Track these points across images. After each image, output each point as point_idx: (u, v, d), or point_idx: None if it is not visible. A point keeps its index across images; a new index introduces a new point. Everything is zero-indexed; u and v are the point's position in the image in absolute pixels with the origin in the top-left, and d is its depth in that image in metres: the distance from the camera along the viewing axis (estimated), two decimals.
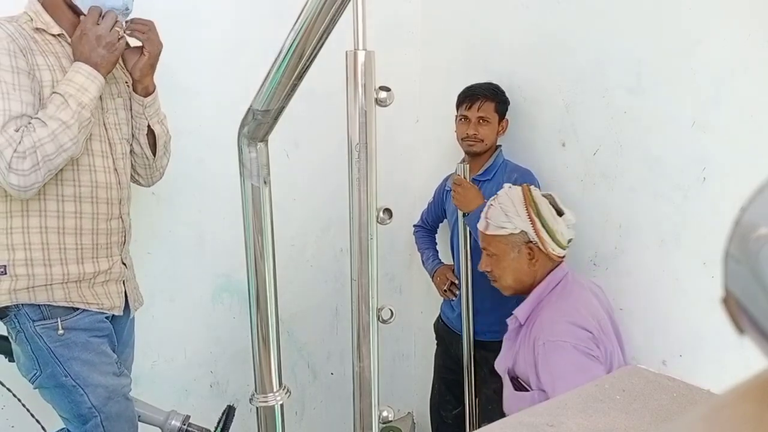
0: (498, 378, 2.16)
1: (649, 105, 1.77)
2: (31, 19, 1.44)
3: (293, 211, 2.37)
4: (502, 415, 1.65)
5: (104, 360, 1.54)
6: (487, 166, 2.09)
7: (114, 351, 1.60)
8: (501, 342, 2.13)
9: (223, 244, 2.17)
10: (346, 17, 0.82)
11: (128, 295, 1.64)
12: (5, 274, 1.43)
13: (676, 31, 1.68)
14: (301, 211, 2.39)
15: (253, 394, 1.15)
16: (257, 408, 1.16)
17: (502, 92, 2.10)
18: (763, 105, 1.52)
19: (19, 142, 1.29)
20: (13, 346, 1.53)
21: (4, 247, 1.43)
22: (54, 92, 1.37)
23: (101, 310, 1.55)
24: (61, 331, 1.47)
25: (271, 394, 1.13)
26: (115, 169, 1.55)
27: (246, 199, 1.06)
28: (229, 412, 1.85)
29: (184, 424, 1.73)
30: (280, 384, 1.15)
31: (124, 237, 1.62)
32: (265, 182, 1.06)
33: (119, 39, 1.45)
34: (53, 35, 1.45)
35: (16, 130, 1.30)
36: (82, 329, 1.51)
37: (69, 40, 1.45)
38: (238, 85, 1.73)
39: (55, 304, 1.47)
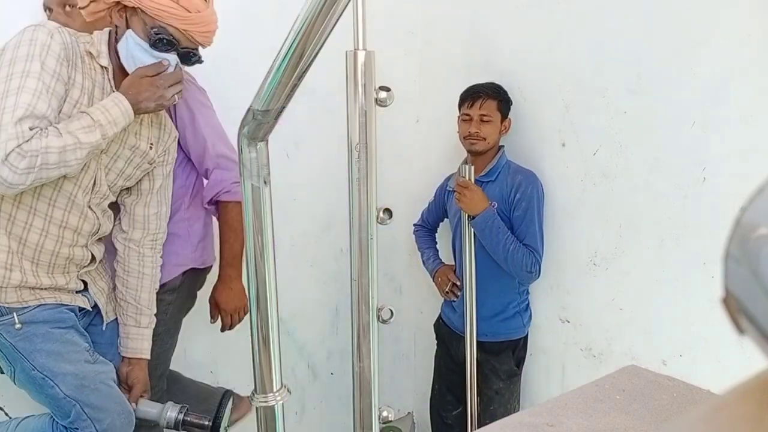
0: (498, 378, 2.16)
1: (649, 105, 1.77)
2: (90, 42, 1.46)
3: (293, 211, 2.37)
4: (503, 415, 1.65)
5: (71, 348, 1.49)
6: (490, 167, 2.08)
7: (89, 343, 1.56)
8: (501, 343, 2.14)
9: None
10: (346, 17, 0.82)
11: (99, 303, 1.62)
12: None
13: (676, 31, 1.68)
14: (301, 211, 2.39)
15: (253, 394, 1.15)
16: (257, 408, 1.16)
17: (505, 92, 2.09)
18: (763, 105, 1.53)
19: (27, 141, 1.29)
20: None
21: None
22: (85, 113, 1.38)
23: (60, 303, 1.51)
24: (18, 326, 1.44)
25: (271, 394, 1.13)
26: (90, 206, 1.51)
27: (246, 199, 1.06)
28: (224, 397, 1.83)
29: (181, 413, 1.67)
30: (281, 384, 1.15)
31: (84, 264, 1.58)
32: (265, 182, 1.06)
33: (170, 98, 1.48)
34: (100, 65, 1.47)
35: (30, 128, 1.30)
36: (41, 321, 1.47)
37: (110, 75, 1.48)
38: (238, 85, 1.73)
39: (6, 305, 1.45)
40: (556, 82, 2.03)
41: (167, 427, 1.69)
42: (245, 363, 1.19)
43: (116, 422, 1.52)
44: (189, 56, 1.50)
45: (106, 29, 1.51)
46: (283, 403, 1.15)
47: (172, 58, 1.46)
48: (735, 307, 0.28)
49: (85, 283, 1.60)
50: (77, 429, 1.50)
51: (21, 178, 1.30)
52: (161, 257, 1.71)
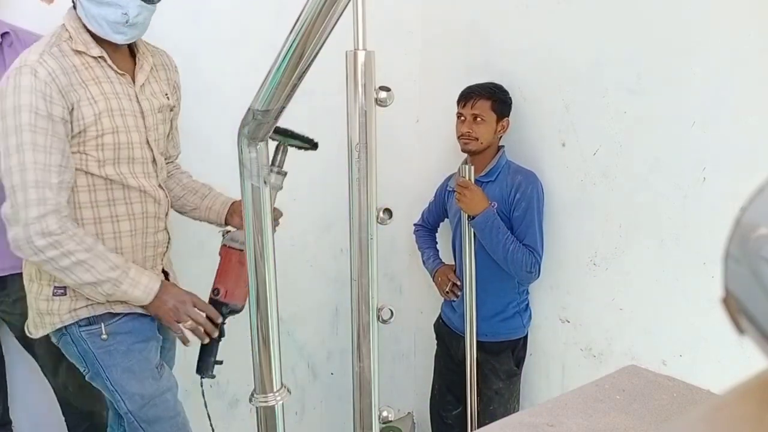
0: (498, 379, 2.16)
1: (649, 105, 1.77)
2: (71, 38, 1.42)
3: (293, 211, 2.37)
4: (503, 415, 1.65)
5: (144, 366, 1.57)
6: (490, 167, 2.08)
7: (160, 351, 1.65)
8: (501, 343, 2.14)
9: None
10: (346, 17, 0.82)
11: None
12: (65, 294, 1.49)
13: (676, 31, 1.68)
14: (301, 211, 2.39)
15: (253, 394, 1.15)
16: (257, 408, 1.16)
17: (503, 92, 2.09)
18: (763, 105, 1.53)
19: (61, 233, 1.36)
20: (59, 346, 1.58)
21: None
22: (122, 270, 1.44)
23: (145, 313, 1.58)
24: (104, 336, 1.52)
25: (271, 394, 1.13)
26: (159, 186, 1.60)
27: (246, 199, 1.06)
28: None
29: None
30: (281, 384, 1.15)
31: (167, 246, 1.67)
32: (265, 182, 1.06)
33: (182, 324, 1.55)
34: (93, 57, 1.44)
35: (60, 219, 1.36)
36: (125, 333, 1.54)
37: (110, 63, 1.46)
38: (238, 85, 1.73)
39: (95, 315, 1.52)
40: (556, 82, 2.03)
41: None
42: (245, 363, 1.19)
43: None
44: None
45: (70, 9, 1.45)
46: (283, 403, 1.15)
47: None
48: (735, 307, 0.28)
49: (165, 273, 1.68)
50: None
51: (36, 255, 1.36)
52: None
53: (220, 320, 1.60)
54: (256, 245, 1.07)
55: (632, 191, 1.84)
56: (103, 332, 1.51)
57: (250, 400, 1.16)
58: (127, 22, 1.40)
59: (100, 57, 1.45)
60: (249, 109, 0.99)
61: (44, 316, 1.51)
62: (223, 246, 1.63)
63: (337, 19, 0.82)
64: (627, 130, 1.84)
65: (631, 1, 1.80)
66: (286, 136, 1.43)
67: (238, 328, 2.01)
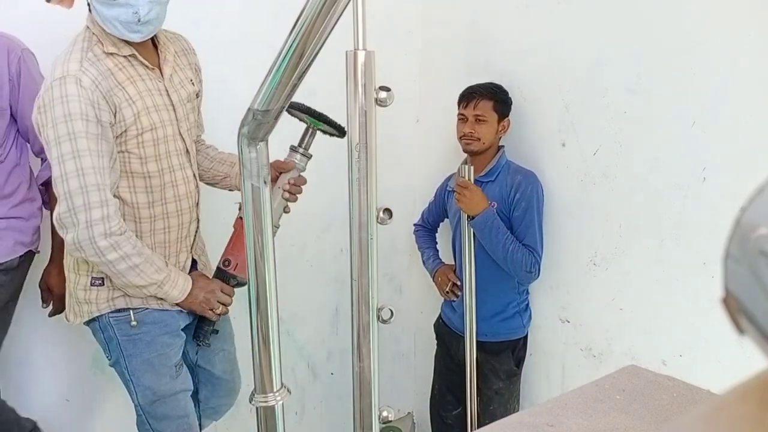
0: (498, 379, 2.16)
1: (649, 105, 1.77)
2: (99, 41, 1.45)
3: (293, 211, 2.37)
4: (503, 415, 1.65)
5: (164, 362, 1.61)
6: (490, 167, 2.08)
7: (183, 347, 1.68)
8: (501, 343, 2.14)
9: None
10: (346, 17, 0.82)
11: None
12: (102, 285, 1.55)
13: (676, 31, 1.68)
14: (301, 211, 2.39)
15: (253, 394, 1.15)
16: (257, 408, 1.16)
17: (504, 92, 2.09)
18: (763, 105, 1.52)
19: (120, 235, 1.44)
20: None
21: None
22: (166, 273, 1.52)
23: (172, 308, 1.63)
24: (134, 323, 1.57)
25: (271, 394, 1.13)
26: (194, 175, 1.64)
27: (246, 199, 1.06)
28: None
29: None
30: (281, 384, 1.15)
31: (198, 234, 1.72)
32: (265, 182, 1.06)
33: (214, 310, 1.63)
34: (124, 56, 1.47)
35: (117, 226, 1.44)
36: (152, 323, 1.59)
37: (142, 60, 1.50)
38: (238, 85, 1.73)
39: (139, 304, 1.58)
40: (556, 82, 2.03)
41: None
42: (245, 363, 1.20)
43: None
44: None
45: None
46: (283, 403, 1.15)
47: None
48: (735, 307, 0.28)
49: (194, 261, 1.73)
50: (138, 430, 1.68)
51: (95, 256, 1.43)
52: None
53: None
54: (256, 245, 1.07)
55: (632, 191, 1.84)
56: (132, 319, 1.57)
57: (250, 400, 1.16)
58: (139, 21, 1.41)
59: (131, 55, 1.48)
60: (249, 109, 0.99)
61: (82, 305, 1.57)
62: (239, 218, 1.64)
63: (337, 19, 0.82)
64: (627, 130, 1.83)
65: (631, 1, 1.80)
66: (318, 119, 1.42)
67: (238, 328, 2.01)
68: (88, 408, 2.10)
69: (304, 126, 1.69)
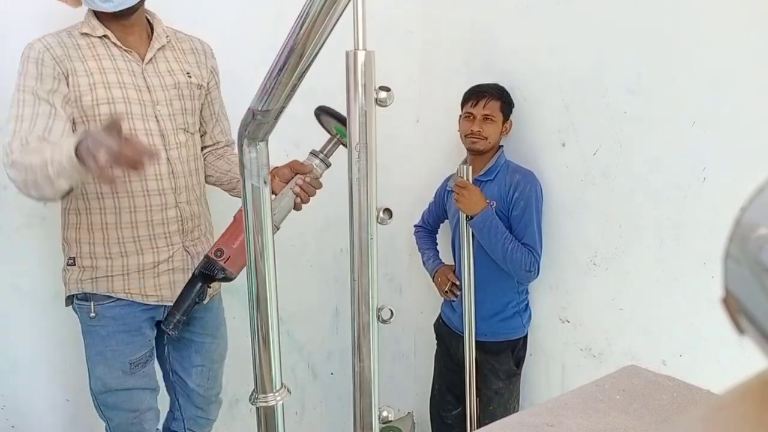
0: (498, 379, 2.16)
1: (649, 105, 1.77)
2: (82, 23, 1.56)
3: (293, 212, 2.37)
4: (503, 415, 1.65)
5: (117, 358, 1.62)
6: (489, 166, 2.09)
7: (149, 347, 1.68)
8: (500, 343, 2.14)
9: None
10: (346, 17, 0.82)
11: None
12: (74, 265, 1.61)
13: (676, 31, 1.68)
14: (301, 211, 2.39)
15: (253, 394, 1.15)
16: (257, 408, 1.16)
17: (508, 94, 2.11)
18: (763, 105, 1.52)
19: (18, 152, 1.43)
20: None
21: (73, 240, 1.60)
22: (51, 144, 1.41)
23: (141, 302, 1.63)
24: (92, 314, 1.60)
25: (271, 393, 1.13)
26: (168, 160, 1.62)
27: (246, 199, 1.06)
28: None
29: None
30: (281, 384, 1.15)
31: (183, 225, 1.67)
32: (265, 182, 1.05)
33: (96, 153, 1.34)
34: (97, 37, 1.56)
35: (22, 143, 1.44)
36: (110, 317, 1.60)
37: (115, 41, 1.56)
38: (238, 85, 1.73)
39: (92, 293, 1.60)
40: (556, 82, 2.03)
41: None
42: (245, 363, 1.19)
43: (123, 424, 1.66)
44: None
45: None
46: (283, 403, 1.15)
47: None
48: (735, 307, 0.28)
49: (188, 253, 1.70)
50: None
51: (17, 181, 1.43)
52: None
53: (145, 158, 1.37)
54: (256, 245, 1.07)
55: (632, 191, 1.84)
56: (92, 310, 1.60)
57: (250, 400, 1.16)
58: None
59: (103, 36, 1.56)
60: (249, 109, 0.99)
61: (64, 284, 1.65)
62: (242, 210, 1.59)
63: (337, 19, 0.82)
64: (627, 130, 1.84)
65: (631, 2, 1.80)
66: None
67: (238, 328, 2.01)
68: (88, 408, 2.10)
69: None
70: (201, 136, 1.78)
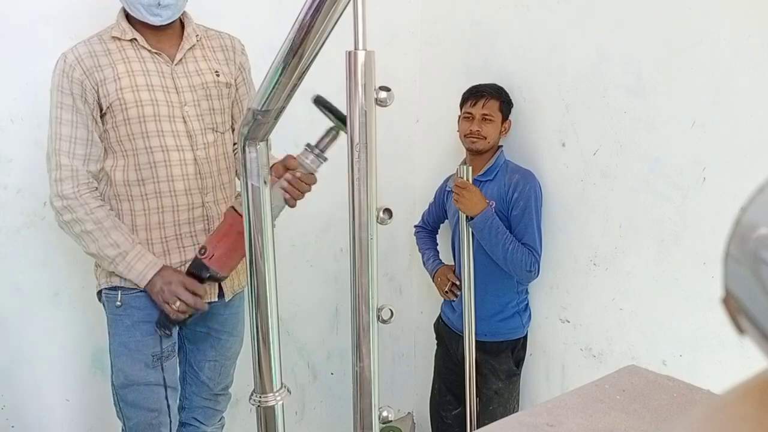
0: (498, 379, 2.16)
1: (649, 105, 1.77)
2: (114, 26, 1.59)
3: (293, 212, 2.37)
4: (502, 415, 1.65)
5: (141, 349, 1.63)
6: (488, 166, 2.09)
7: (172, 341, 1.69)
8: (501, 343, 2.14)
9: None
10: (346, 17, 0.82)
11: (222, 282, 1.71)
12: None
13: (676, 31, 1.68)
14: (300, 212, 2.39)
15: (253, 394, 1.15)
16: (257, 408, 1.16)
17: (507, 93, 2.11)
18: (763, 105, 1.52)
19: (75, 199, 1.53)
20: None
21: None
22: (121, 251, 1.54)
23: None
24: (119, 303, 1.61)
25: (271, 393, 1.13)
26: (195, 160, 1.63)
27: (246, 199, 1.06)
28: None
29: None
30: (280, 384, 1.15)
31: (209, 224, 1.69)
32: (265, 182, 1.06)
33: (172, 307, 1.57)
34: (127, 40, 1.58)
35: (78, 187, 1.54)
36: (135, 307, 1.62)
37: (144, 44, 1.59)
38: None
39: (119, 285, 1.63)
40: (556, 82, 2.03)
41: None
42: (245, 363, 1.20)
43: (141, 424, 1.65)
44: None
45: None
46: (283, 403, 1.15)
47: None
48: (735, 307, 0.28)
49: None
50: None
51: (54, 211, 1.55)
52: None
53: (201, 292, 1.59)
54: (256, 245, 1.07)
55: (632, 191, 1.84)
56: (118, 299, 1.61)
57: (250, 400, 1.16)
58: (159, 5, 1.53)
59: (133, 40, 1.58)
60: (249, 109, 0.99)
61: (96, 278, 1.68)
62: (231, 209, 1.57)
63: (337, 19, 0.82)
64: (627, 130, 1.83)
65: (631, 1, 1.80)
66: (344, 124, 1.37)
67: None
68: (88, 408, 2.10)
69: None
70: (233, 133, 1.78)
